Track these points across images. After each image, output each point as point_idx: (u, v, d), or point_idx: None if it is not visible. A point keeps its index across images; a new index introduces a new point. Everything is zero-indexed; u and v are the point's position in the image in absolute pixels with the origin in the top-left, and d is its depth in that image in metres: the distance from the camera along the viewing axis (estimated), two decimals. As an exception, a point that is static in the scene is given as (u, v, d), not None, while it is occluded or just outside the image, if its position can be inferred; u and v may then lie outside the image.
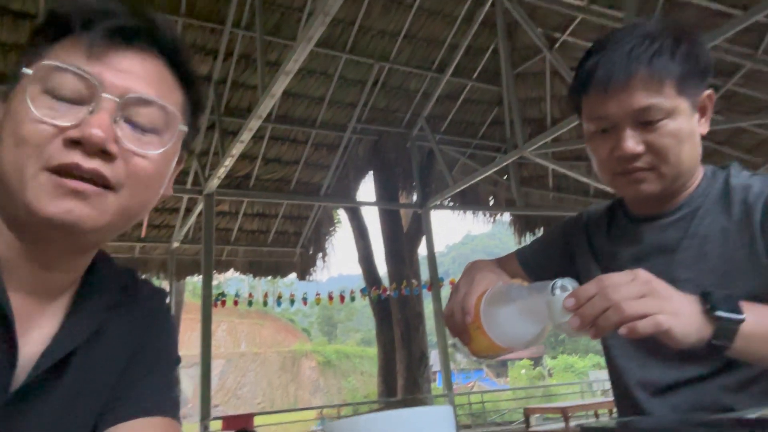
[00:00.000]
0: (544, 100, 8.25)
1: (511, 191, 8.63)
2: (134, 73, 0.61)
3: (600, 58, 0.92)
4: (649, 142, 0.90)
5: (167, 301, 0.80)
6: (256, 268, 9.05)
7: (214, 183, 6.38)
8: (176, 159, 0.69)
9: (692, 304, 0.73)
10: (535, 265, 1.18)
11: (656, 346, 0.97)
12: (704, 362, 0.92)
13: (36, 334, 0.61)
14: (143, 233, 8.04)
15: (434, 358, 10.86)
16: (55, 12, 0.62)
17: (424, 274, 8.73)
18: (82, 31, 0.60)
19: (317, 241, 9.13)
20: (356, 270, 9.33)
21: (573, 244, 1.16)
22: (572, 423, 8.78)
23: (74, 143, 0.56)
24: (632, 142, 0.90)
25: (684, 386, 0.94)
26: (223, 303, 7.68)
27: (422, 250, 8.73)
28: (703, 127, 0.96)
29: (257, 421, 7.46)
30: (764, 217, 0.89)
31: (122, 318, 0.70)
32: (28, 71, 0.58)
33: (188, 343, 21.35)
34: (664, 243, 0.98)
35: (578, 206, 9.83)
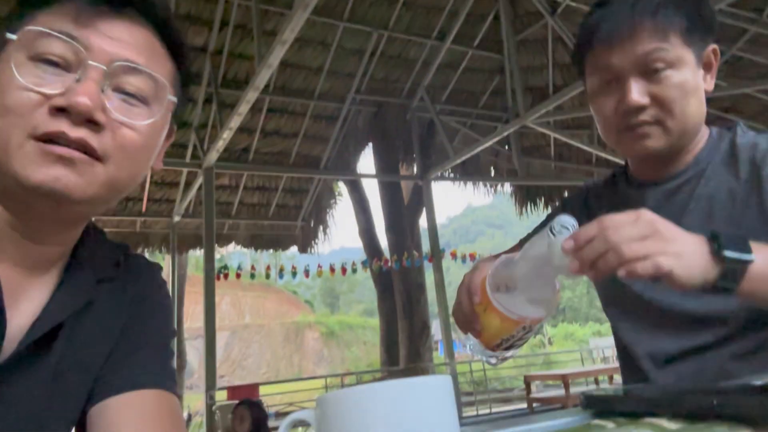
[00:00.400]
0: (547, 67, 8.12)
1: (512, 161, 8.58)
2: (123, 41, 0.60)
3: (605, 12, 0.92)
4: (654, 94, 0.89)
5: (161, 275, 0.79)
6: (257, 241, 9.07)
7: (213, 156, 6.34)
8: (165, 131, 0.68)
9: (699, 245, 0.69)
10: None
11: (661, 316, 0.96)
12: (711, 330, 0.91)
13: (25, 307, 0.60)
14: (144, 208, 8.04)
15: (436, 327, 11.01)
16: None
17: (426, 246, 8.75)
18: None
19: (318, 214, 9.13)
20: (357, 242, 9.35)
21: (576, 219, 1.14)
22: (572, 390, 8.93)
23: (61, 111, 0.55)
24: (637, 92, 0.89)
25: (691, 355, 0.93)
26: (226, 276, 7.72)
27: (423, 221, 8.74)
28: (709, 84, 0.95)
29: (262, 390, 7.60)
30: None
31: (114, 291, 0.69)
32: (12, 36, 0.56)
33: (193, 316, 21.62)
34: (670, 207, 0.95)
35: (581, 175, 9.78)
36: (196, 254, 9.61)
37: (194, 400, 16.69)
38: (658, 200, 0.98)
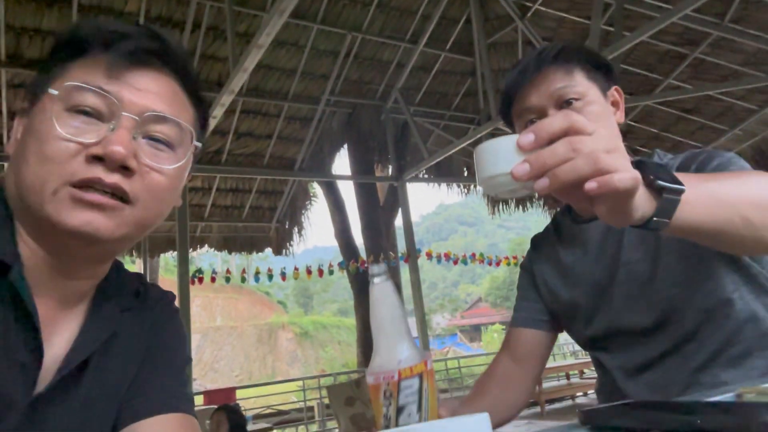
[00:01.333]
0: (517, 70, 8.26)
1: (485, 162, 8.69)
2: (151, 92, 0.65)
3: (519, 67, 1.06)
4: None
5: (175, 303, 0.83)
6: (231, 243, 8.97)
7: (187, 159, 6.26)
8: (187, 172, 0.74)
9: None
10: (539, 316, 1.20)
11: (618, 332, 1.05)
12: (666, 338, 1.00)
13: (58, 339, 0.64)
14: (114, 211, 7.87)
15: (411, 324, 11.11)
16: (75, 32, 0.65)
17: (401, 246, 8.81)
18: (100, 52, 0.64)
19: (293, 216, 9.09)
20: (332, 241, 9.34)
21: (536, 274, 1.22)
22: (544, 384, 9.12)
23: (96, 159, 0.60)
24: None
25: (657, 365, 1.01)
26: (201, 280, 7.64)
27: (398, 221, 8.80)
28: (619, 117, 1.07)
29: (238, 394, 7.54)
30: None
31: (134, 321, 0.74)
32: (53, 92, 0.61)
33: (163, 319, 21.19)
34: (611, 230, 1.05)
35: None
36: (166, 256, 9.45)
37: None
38: (601, 232, 1.07)
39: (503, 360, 1.19)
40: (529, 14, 7.22)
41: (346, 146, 8.71)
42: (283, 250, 9.03)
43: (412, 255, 8.07)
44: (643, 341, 1.02)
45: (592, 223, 1.09)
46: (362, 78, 7.97)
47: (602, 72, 1.06)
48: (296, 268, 8.32)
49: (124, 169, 0.61)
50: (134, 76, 0.64)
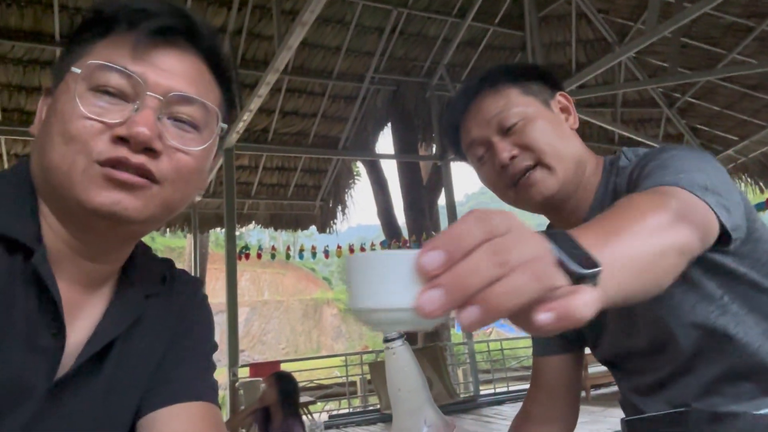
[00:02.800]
0: (570, 44, 7.94)
1: (533, 140, 8.46)
2: (176, 72, 0.63)
3: (453, 102, 1.04)
4: (518, 144, 0.95)
5: (203, 290, 0.82)
6: (277, 221, 9.14)
7: (234, 138, 6.37)
8: (213, 154, 0.72)
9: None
10: (555, 341, 1.13)
11: (620, 355, 1.00)
12: (668, 360, 0.93)
13: (81, 322, 0.64)
14: (165, 188, 8.13)
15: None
16: (100, 10, 0.64)
17: (444, 224, 8.73)
18: (126, 30, 0.62)
19: (337, 194, 9.14)
20: (375, 220, 9.37)
21: None
22: (590, 369, 8.94)
23: (121, 140, 0.59)
24: (503, 146, 0.95)
25: (667, 384, 0.95)
26: (247, 256, 7.82)
27: (441, 200, 8.71)
28: (573, 123, 1.01)
29: (283, 367, 7.74)
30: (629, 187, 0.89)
31: (160, 306, 0.73)
32: (76, 70, 0.60)
33: (214, 292, 22.00)
34: None
35: (602, 154, 9.59)
36: (217, 231, 9.73)
37: (217, 374, 17.10)
38: None
39: (535, 396, 1.13)
40: (583, -15, 6.88)
41: (389, 125, 8.64)
42: (327, 228, 9.12)
43: (455, 235, 7.99)
44: (649, 362, 0.96)
45: None
46: (407, 55, 7.85)
47: (542, 82, 1.01)
48: (339, 246, 8.39)
49: (150, 151, 0.60)
50: (159, 55, 0.63)
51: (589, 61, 7.76)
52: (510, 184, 0.97)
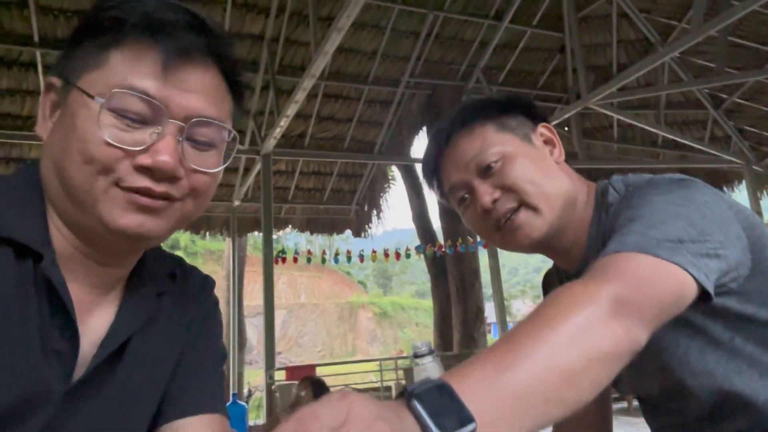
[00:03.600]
0: (610, 45, 7.74)
1: (572, 143, 8.28)
2: (197, 92, 0.63)
3: (427, 148, 1.00)
4: (500, 185, 0.90)
5: (215, 291, 0.82)
6: (312, 225, 9.23)
7: (271, 143, 6.46)
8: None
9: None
10: None
11: (641, 397, 0.95)
12: (688, 407, 0.87)
13: (94, 324, 0.64)
14: (205, 192, 8.32)
15: (489, 310, 10.93)
16: (112, 13, 0.61)
17: (481, 230, 8.63)
18: (144, 42, 0.61)
19: (372, 198, 9.17)
20: (410, 224, 9.35)
21: None
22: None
23: (144, 168, 0.59)
24: (484, 190, 0.91)
25: (691, 428, 0.89)
26: (284, 260, 7.92)
27: (478, 205, 8.61)
28: (558, 156, 0.95)
29: (318, 370, 7.79)
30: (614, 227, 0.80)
31: (172, 304, 0.73)
32: (100, 100, 0.59)
33: (252, 294, 22.38)
34: None
35: (645, 157, 9.32)
36: (255, 235, 9.89)
37: (254, 376, 17.36)
38: None
39: (566, 427, 1.06)
40: (625, -16, 6.69)
41: (425, 129, 8.61)
42: (362, 232, 9.15)
43: (492, 240, 7.89)
44: (672, 406, 0.90)
45: (574, 278, 0.96)
46: (443, 58, 7.81)
47: (520, 114, 0.95)
48: (374, 251, 8.40)
49: (172, 177, 0.62)
50: (181, 74, 0.62)
51: (630, 62, 7.55)
52: (495, 228, 0.92)
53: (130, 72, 0.60)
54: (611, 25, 7.41)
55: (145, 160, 0.59)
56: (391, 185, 9.31)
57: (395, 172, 9.70)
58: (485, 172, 0.90)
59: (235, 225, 8.71)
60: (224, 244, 14.22)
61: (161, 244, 0.77)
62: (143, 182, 0.59)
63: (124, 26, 0.61)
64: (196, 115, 0.62)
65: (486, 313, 9.20)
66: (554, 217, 0.89)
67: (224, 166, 0.68)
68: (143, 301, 0.69)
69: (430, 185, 1.03)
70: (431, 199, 9.10)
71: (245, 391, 12.12)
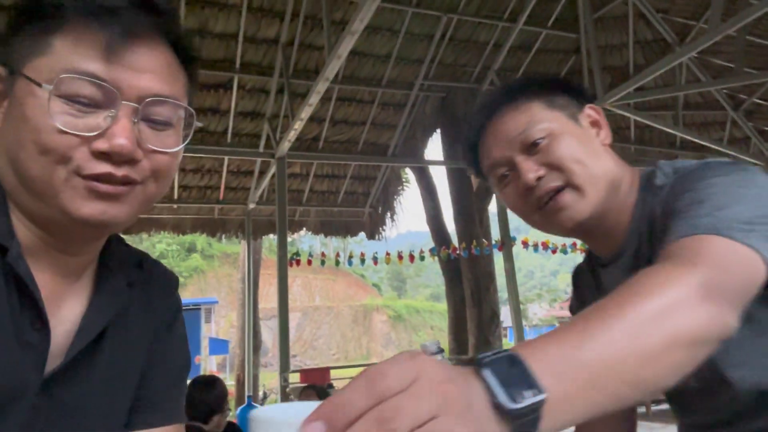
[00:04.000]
0: (627, 45, 7.66)
1: (587, 146, 8.20)
2: (148, 71, 0.62)
3: (473, 119, 0.96)
4: (546, 163, 0.87)
5: (177, 291, 0.82)
6: (327, 227, 9.26)
7: (285, 146, 6.50)
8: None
9: (475, 398, 0.46)
10: None
11: (677, 393, 0.92)
12: (723, 404, 0.84)
13: (65, 315, 0.64)
14: (221, 196, 8.40)
15: (505, 313, 10.86)
16: None
17: (495, 233, 8.59)
18: (88, 25, 0.59)
19: (386, 201, 9.17)
20: (425, 226, 9.33)
21: None
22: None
23: (102, 154, 0.59)
24: (528, 166, 0.88)
25: (730, 427, 0.87)
26: (298, 262, 7.94)
27: (492, 206, 8.58)
28: (605, 139, 0.93)
29: (333, 373, 7.80)
30: (666, 216, 0.78)
31: (140, 296, 0.73)
32: (48, 86, 0.57)
33: (267, 297, 22.52)
34: (625, 278, 0.90)
35: (662, 159, 9.17)
36: (270, 238, 9.95)
37: (269, 378, 17.44)
38: (623, 277, 0.92)
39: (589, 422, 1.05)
40: (641, -16, 6.62)
41: (438, 131, 8.60)
42: (376, 235, 9.16)
43: (506, 243, 7.84)
44: (707, 402, 0.87)
45: (612, 266, 0.93)
46: (457, 61, 7.79)
47: (567, 95, 0.93)
48: (388, 253, 8.39)
49: (131, 160, 0.60)
50: (130, 54, 0.60)
51: (647, 62, 7.46)
52: (536, 207, 0.89)
53: (76, 56, 0.58)
54: (627, 25, 7.32)
55: (101, 145, 0.58)
56: (404, 188, 9.31)
57: (409, 174, 9.69)
58: (530, 148, 0.88)
59: (250, 228, 8.77)
60: (239, 247, 14.34)
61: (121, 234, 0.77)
62: (103, 168, 0.58)
63: (66, 9, 0.59)
64: (150, 95, 0.61)
65: (502, 317, 9.13)
66: (599, 199, 0.87)
67: (183, 145, 0.66)
68: (115, 290, 0.68)
69: (468, 162, 1.01)
70: (446, 201, 9.08)
71: (260, 393, 12.17)
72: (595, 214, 0.87)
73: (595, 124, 0.94)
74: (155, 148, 0.62)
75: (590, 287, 1.03)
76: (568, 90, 0.94)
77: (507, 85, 0.94)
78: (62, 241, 0.63)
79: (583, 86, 0.97)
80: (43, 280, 0.61)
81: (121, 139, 0.58)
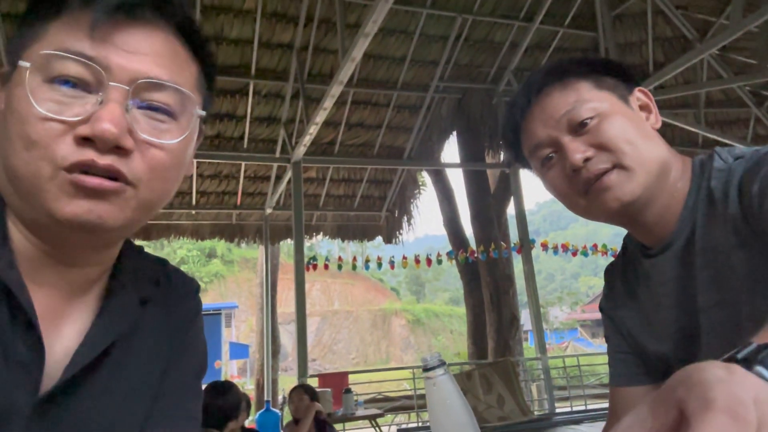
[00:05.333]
0: (646, 43, 7.52)
1: (607, 145, 8.08)
2: (143, 53, 0.56)
3: (518, 97, 0.92)
4: (594, 144, 0.83)
5: (199, 296, 0.77)
6: (343, 231, 9.26)
7: (301, 151, 6.51)
8: (195, 140, 0.64)
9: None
10: (638, 369, 0.98)
11: None
12: None
13: (68, 331, 0.59)
14: (239, 201, 8.45)
15: (525, 317, 10.72)
16: None
17: (513, 235, 8.48)
18: (81, 8, 0.54)
19: (402, 204, 9.13)
20: (442, 230, 9.27)
21: (617, 321, 1.00)
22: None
23: (86, 140, 0.52)
24: (575, 147, 0.83)
25: None
26: (315, 267, 7.94)
27: (511, 209, 8.48)
28: (654, 123, 0.89)
29: (351, 378, 7.77)
30: (744, 202, 0.74)
31: (157, 313, 0.67)
32: (24, 64, 0.53)
33: (286, 301, 22.59)
34: (684, 270, 0.84)
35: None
36: (288, 243, 9.97)
37: (288, 383, 17.48)
38: (674, 267, 0.86)
39: None
40: (660, -20, 6.50)
41: (455, 133, 8.54)
42: (393, 239, 9.11)
43: (525, 245, 7.73)
44: None
45: (661, 256, 0.87)
46: (473, 61, 7.73)
47: (617, 77, 0.88)
48: (404, 257, 8.34)
49: (120, 149, 0.54)
50: (122, 35, 0.55)
51: (667, 60, 7.31)
52: (582, 190, 0.84)
53: (63, 36, 0.54)
54: (646, 22, 7.20)
55: (85, 130, 0.52)
56: (421, 191, 9.26)
57: (425, 177, 9.64)
58: (578, 128, 0.84)
59: (268, 233, 8.80)
60: (257, 252, 14.43)
61: (147, 250, 0.72)
62: (85, 155, 0.52)
63: None
64: (143, 77, 0.55)
65: (521, 321, 9.01)
66: (648, 182, 0.82)
67: (181, 137, 0.59)
68: (124, 308, 0.62)
69: (507, 144, 0.97)
70: (463, 204, 9.00)
71: (279, 397, 12.20)
72: (644, 198, 0.82)
73: (644, 107, 0.90)
74: (149, 139, 0.56)
75: (629, 282, 0.97)
76: (617, 72, 0.90)
77: (554, 64, 0.90)
78: (58, 250, 0.58)
79: (633, 70, 0.92)
80: (42, 293, 0.56)
81: (105, 122, 0.52)
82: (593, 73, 0.88)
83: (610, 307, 1.03)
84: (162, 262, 0.73)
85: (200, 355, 0.74)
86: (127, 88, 0.54)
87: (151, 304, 0.67)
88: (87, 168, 0.53)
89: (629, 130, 0.82)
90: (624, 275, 1.00)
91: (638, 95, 0.89)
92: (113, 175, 0.54)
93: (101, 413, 0.59)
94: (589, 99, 0.84)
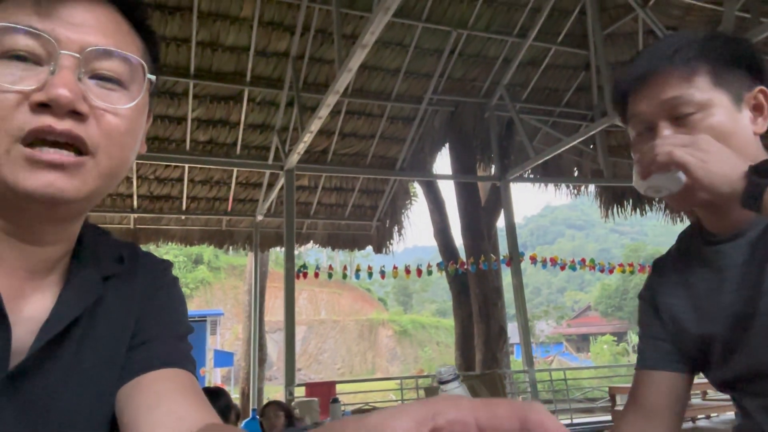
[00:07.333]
0: (636, 62, 7.66)
1: (597, 161, 8.17)
2: (89, 26, 0.58)
3: (635, 63, 0.92)
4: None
5: (172, 272, 0.77)
6: (334, 240, 9.24)
7: (294, 158, 6.51)
8: (146, 113, 0.66)
9: (736, 163, 0.73)
10: (671, 356, 1.01)
11: (758, 372, 0.88)
12: None
13: (31, 310, 0.60)
14: (229, 207, 8.41)
15: (512, 329, 10.76)
16: None
17: (503, 248, 8.53)
18: None
19: (393, 215, 9.16)
20: (432, 241, 9.30)
21: (660, 305, 1.02)
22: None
23: (42, 107, 0.54)
24: (665, 140, 0.83)
25: None
26: (305, 275, 7.92)
27: (500, 222, 8.54)
28: (760, 126, 0.87)
29: (338, 388, 7.73)
30: None
31: (121, 289, 0.68)
32: None
33: (273, 310, 22.46)
34: (754, 252, 0.87)
35: (672, 176, 9.12)
36: (277, 250, 9.93)
37: (273, 392, 17.31)
38: (742, 254, 0.89)
39: (632, 419, 0.98)
40: (651, 1, 6.64)
41: (447, 145, 8.60)
42: (384, 249, 9.12)
43: (514, 258, 7.78)
44: (761, 387, 0.84)
45: (730, 243, 0.90)
46: (466, 75, 7.82)
47: (743, 69, 0.86)
48: (395, 267, 8.35)
49: (75, 115, 0.55)
50: (67, 9, 0.57)
51: (657, 78, 7.46)
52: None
53: (11, 14, 0.56)
54: (637, 41, 7.34)
55: (40, 96, 0.53)
56: (412, 202, 9.29)
57: (417, 188, 9.68)
58: (677, 119, 0.85)
59: (258, 240, 8.77)
60: (246, 260, 14.33)
61: (112, 233, 0.73)
62: (42, 120, 0.53)
63: None
64: (92, 46, 0.57)
65: (509, 333, 9.04)
66: (713, 195, 0.80)
67: (134, 102, 0.61)
68: (87, 284, 0.64)
69: (615, 98, 0.97)
70: (454, 216, 9.05)
71: (264, 407, 12.07)
72: (706, 202, 0.85)
73: (758, 107, 0.89)
74: (103, 104, 0.57)
75: (681, 271, 1.00)
76: (747, 65, 0.88)
77: (684, 40, 0.88)
78: (20, 227, 0.59)
79: (761, 65, 0.89)
80: (6, 273, 0.58)
81: (59, 87, 0.53)
82: (720, 63, 0.86)
83: (653, 294, 1.05)
84: (129, 244, 0.74)
85: (182, 314, 0.73)
86: (78, 56, 0.56)
87: (115, 279, 0.68)
88: (45, 135, 0.54)
89: (724, 137, 0.82)
90: (675, 266, 1.03)
91: (757, 95, 0.88)
92: (72, 140, 0.55)
93: (70, 387, 0.60)
94: (698, 94, 0.84)
